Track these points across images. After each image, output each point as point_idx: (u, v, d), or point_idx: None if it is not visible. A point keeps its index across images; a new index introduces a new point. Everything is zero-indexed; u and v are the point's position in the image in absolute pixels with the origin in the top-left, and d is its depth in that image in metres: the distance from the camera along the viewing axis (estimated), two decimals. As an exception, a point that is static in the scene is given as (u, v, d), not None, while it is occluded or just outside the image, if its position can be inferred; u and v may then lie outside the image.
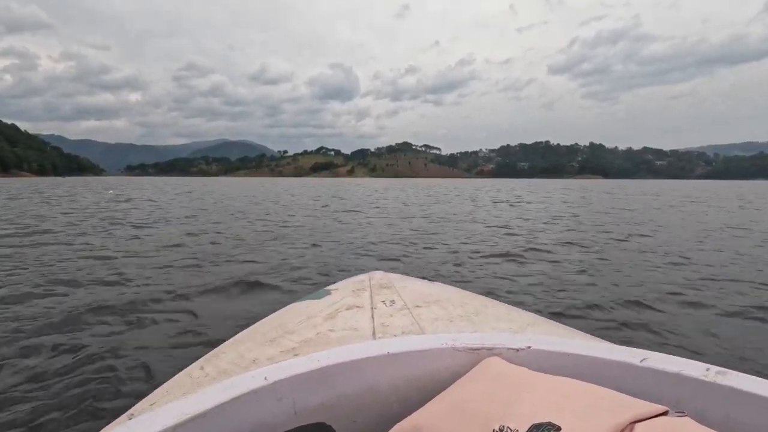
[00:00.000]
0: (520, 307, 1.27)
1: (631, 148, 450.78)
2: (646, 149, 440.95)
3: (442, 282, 1.52)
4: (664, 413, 0.50)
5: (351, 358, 0.71)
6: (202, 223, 9.05)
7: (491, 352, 0.75)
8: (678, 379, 0.63)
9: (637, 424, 0.48)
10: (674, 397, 0.62)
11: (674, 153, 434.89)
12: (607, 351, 0.71)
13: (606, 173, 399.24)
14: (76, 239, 6.45)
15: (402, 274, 1.58)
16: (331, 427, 0.64)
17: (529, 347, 0.75)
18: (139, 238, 6.73)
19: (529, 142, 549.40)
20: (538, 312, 1.20)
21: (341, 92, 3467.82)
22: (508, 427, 0.52)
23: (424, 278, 1.52)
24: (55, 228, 7.70)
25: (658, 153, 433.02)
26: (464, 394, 0.65)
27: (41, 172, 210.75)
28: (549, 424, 0.50)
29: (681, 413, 0.50)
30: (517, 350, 0.75)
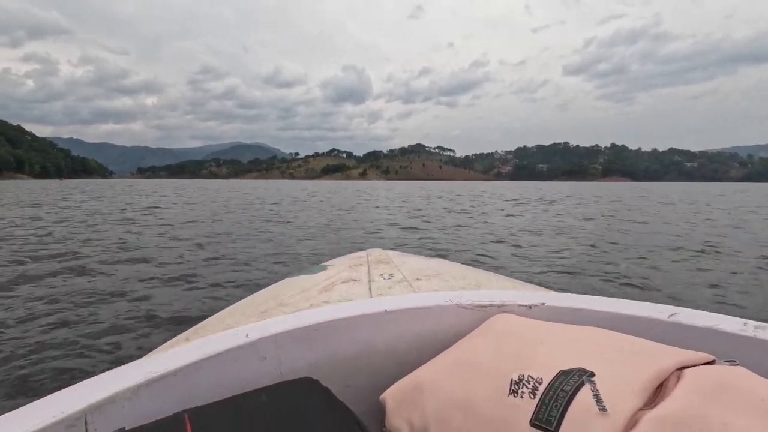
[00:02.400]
0: (523, 281, 1.19)
1: (656, 149, 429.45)
2: (672, 150, 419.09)
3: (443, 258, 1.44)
4: (711, 362, 0.45)
5: (344, 315, 0.66)
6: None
7: (501, 309, 0.68)
8: (712, 334, 0.58)
9: (686, 371, 0.43)
10: (708, 352, 0.54)
11: (704, 154, 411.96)
12: (631, 306, 0.65)
13: (632, 175, 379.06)
14: None
15: (400, 251, 1.52)
16: (318, 381, 0.57)
17: (543, 304, 0.68)
18: None
19: (543, 143, 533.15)
20: (546, 286, 1.17)
21: (354, 94, 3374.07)
22: (529, 375, 0.46)
23: (423, 255, 1.52)
24: None
25: (687, 154, 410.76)
26: (472, 350, 0.58)
27: (43, 174, 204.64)
28: (580, 369, 0.44)
29: (732, 362, 0.45)
30: (530, 307, 0.68)
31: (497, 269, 4.01)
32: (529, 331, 0.58)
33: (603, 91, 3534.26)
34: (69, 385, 0.44)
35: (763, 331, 0.56)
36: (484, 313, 0.68)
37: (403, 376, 0.61)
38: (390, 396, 0.57)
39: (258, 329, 0.62)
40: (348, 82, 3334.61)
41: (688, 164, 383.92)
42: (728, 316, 0.60)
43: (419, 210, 13.14)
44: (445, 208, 13.96)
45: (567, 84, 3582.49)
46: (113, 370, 0.52)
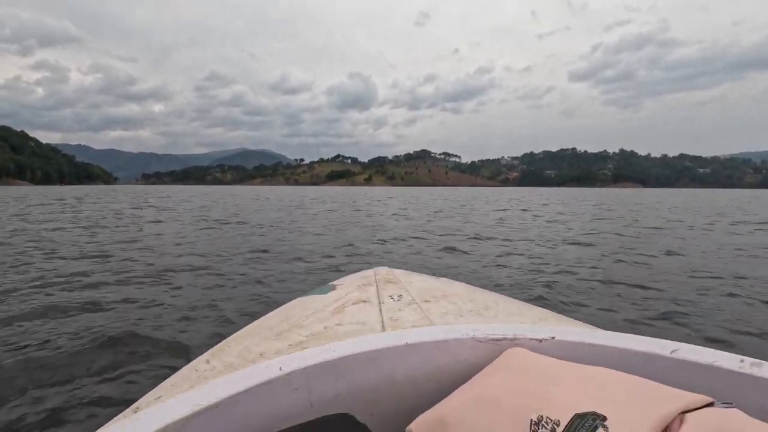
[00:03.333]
0: (532, 304, 1.21)
1: (666, 155, 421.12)
2: (683, 156, 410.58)
3: (449, 279, 1.53)
4: (710, 404, 0.48)
5: (368, 348, 0.69)
6: None
7: (513, 342, 0.72)
8: (711, 370, 0.60)
9: (687, 415, 0.45)
10: (706, 389, 0.57)
11: (716, 160, 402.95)
12: (635, 342, 0.68)
13: (643, 181, 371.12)
14: None
15: (407, 270, 1.55)
16: (354, 417, 0.62)
17: (553, 338, 0.71)
18: None
19: (549, 149, 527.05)
20: (549, 308, 1.30)
21: (359, 101, 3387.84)
22: (547, 417, 0.48)
23: (430, 274, 1.56)
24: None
25: (698, 160, 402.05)
26: (491, 385, 0.61)
27: (45, 180, 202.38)
28: (593, 413, 0.47)
29: (728, 404, 0.48)
30: (540, 341, 0.71)
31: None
32: (542, 369, 0.62)
33: (609, 96, 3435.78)
34: (98, 420, 0.45)
35: (759, 368, 0.58)
36: (498, 346, 0.71)
37: (423, 406, 0.63)
38: (416, 428, 0.59)
39: (290, 362, 0.65)
40: (354, 88, 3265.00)
41: (701, 170, 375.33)
42: (726, 353, 0.62)
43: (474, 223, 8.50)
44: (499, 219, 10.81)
45: (573, 90, 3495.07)
46: (158, 405, 0.55)
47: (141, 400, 0.69)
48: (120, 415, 0.61)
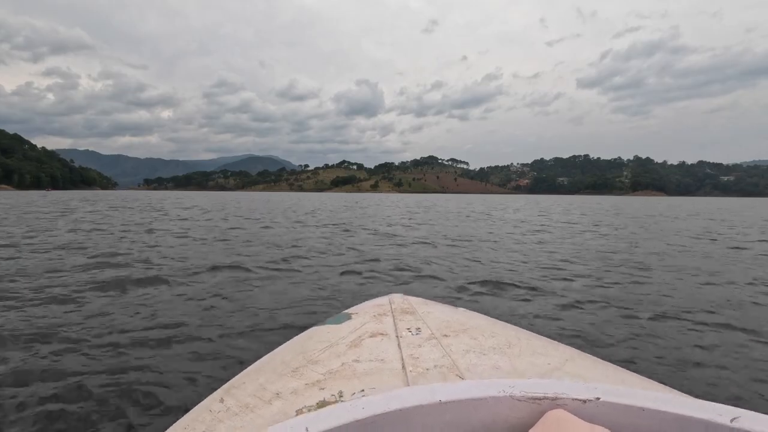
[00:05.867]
0: (551, 338, 1.20)
1: (684, 162, 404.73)
2: (702, 163, 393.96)
3: (464, 307, 1.49)
4: None
5: (399, 406, 0.63)
6: None
7: (554, 402, 0.66)
8: None
9: None
10: None
11: (738, 167, 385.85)
12: (690, 407, 0.62)
13: (663, 189, 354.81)
14: None
15: (421, 297, 1.52)
16: None
17: (598, 398, 0.65)
18: None
19: (557, 156, 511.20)
20: (573, 345, 1.25)
21: (367, 108, 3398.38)
22: None
23: (445, 303, 1.53)
24: None
25: (719, 167, 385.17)
26: None
27: (35, 185, 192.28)
28: None
29: None
30: (584, 401, 0.65)
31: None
32: None
33: (618, 104, 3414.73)
34: None
35: None
36: (538, 406, 0.66)
37: None
38: None
39: (316, 421, 0.60)
40: (361, 95, 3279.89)
41: (724, 178, 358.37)
42: None
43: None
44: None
45: (581, 97, 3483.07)
46: None
47: None
48: None
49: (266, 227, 11.49)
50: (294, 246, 7.65)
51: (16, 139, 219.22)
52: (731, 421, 0.58)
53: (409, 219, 16.01)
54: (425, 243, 8.39)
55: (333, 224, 12.84)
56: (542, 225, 13.85)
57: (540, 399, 0.67)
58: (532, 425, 0.63)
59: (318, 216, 16.86)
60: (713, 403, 0.63)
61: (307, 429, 0.58)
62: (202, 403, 0.83)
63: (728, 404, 0.61)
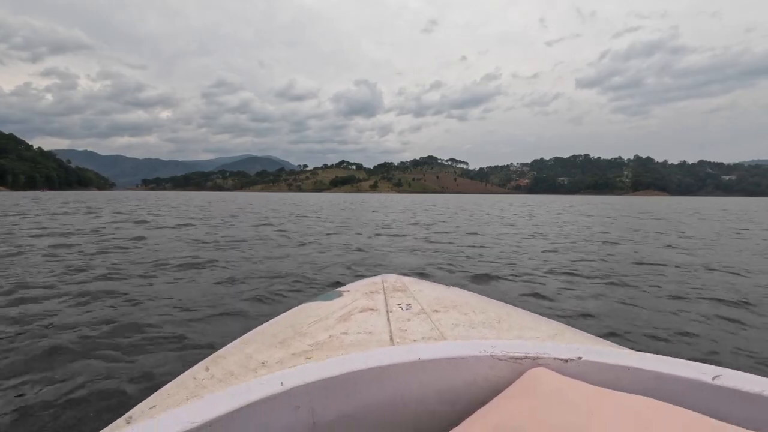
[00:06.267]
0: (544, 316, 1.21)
1: (685, 161, 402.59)
2: (703, 162, 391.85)
3: (458, 287, 1.47)
4: None
5: (377, 363, 0.63)
6: None
7: (536, 362, 0.66)
8: (758, 400, 0.54)
9: None
10: (752, 421, 0.52)
11: (739, 167, 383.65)
12: (673, 366, 0.62)
13: (664, 189, 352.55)
14: None
15: (415, 277, 1.48)
16: None
17: (580, 358, 0.65)
18: None
19: (557, 155, 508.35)
20: (564, 322, 1.23)
21: (365, 108, 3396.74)
22: None
23: (438, 283, 1.49)
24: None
25: (720, 167, 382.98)
26: (513, 411, 0.55)
27: (29, 185, 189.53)
28: None
29: None
30: (566, 361, 0.65)
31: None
32: (572, 395, 0.55)
33: (617, 104, 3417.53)
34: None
35: None
36: (519, 365, 0.66)
37: (435, 429, 0.59)
38: None
39: (292, 377, 0.60)
40: (360, 95, 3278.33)
41: (726, 177, 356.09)
42: None
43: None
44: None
45: (580, 97, 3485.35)
46: (149, 420, 0.51)
47: (135, 409, 0.65)
48: (112, 425, 0.56)
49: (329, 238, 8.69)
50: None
51: (11, 139, 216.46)
52: (713, 378, 0.58)
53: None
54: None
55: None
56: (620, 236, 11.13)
57: (521, 358, 0.66)
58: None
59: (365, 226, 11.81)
60: (696, 362, 0.63)
61: (282, 383, 0.58)
62: (187, 371, 0.83)
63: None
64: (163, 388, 0.77)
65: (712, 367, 0.61)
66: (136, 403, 0.68)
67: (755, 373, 0.58)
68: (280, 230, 10.04)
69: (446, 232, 10.09)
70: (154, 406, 0.64)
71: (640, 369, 0.62)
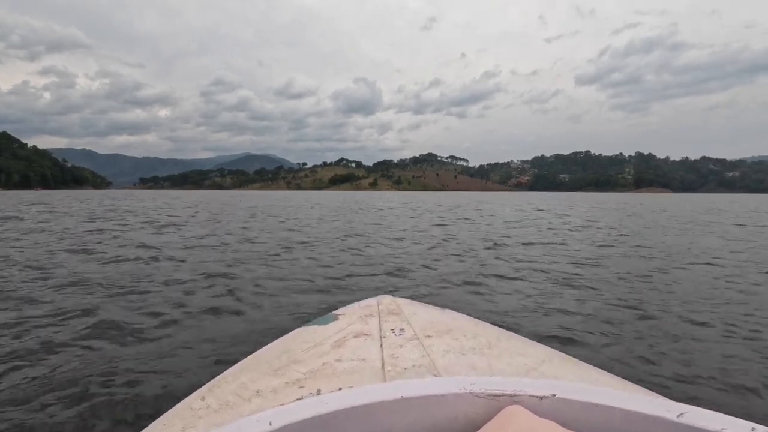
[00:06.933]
0: (535, 340, 1.22)
1: (687, 158, 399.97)
2: (705, 159, 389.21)
3: (452, 309, 1.50)
4: None
5: (362, 401, 0.65)
6: None
7: (512, 399, 0.68)
8: None
9: None
10: None
11: (742, 163, 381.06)
12: (641, 403, 0.64)
13: (667, 186, 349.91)
14: None
15: (410, 299, 1.52)
16: None
17: (554, 395, 0.67)
18: None
19: (557, 152, 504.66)
20: (554, 346, 1.29)
21: (364, 106, 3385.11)
22: None
23: (434, 305, 1.53)
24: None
25: (723, 163, 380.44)
26: None
27: (23, 184, 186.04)
28: None
29: None
30: (541, 398, 0.67)
31: None
32: None
33: (617, 101, 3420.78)
34: None
35: None
36: (497, 402, 0.68)
37: None
38: None
39: (281, 415, 0.61)
40: (359, 93, 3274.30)
41: (729, 174, 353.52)
42: (737, 420, 0.59)
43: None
44: None
45: (579, 94, 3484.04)
46: None
47: None
48: None
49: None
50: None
51: (5, 137, 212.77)
52: (677, 417, 0.60)
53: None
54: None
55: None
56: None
57: (499, 396, 0.68)
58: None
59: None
60: (663, 399, 0.66)
61: (270, 423, 0.59)
62: (184, 400, 0.84)
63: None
64: (160, 419, 0.77)
65: (680, 404, 0.63)
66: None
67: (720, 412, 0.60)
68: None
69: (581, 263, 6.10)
70: None
71: (607, 406, 0.64)
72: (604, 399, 0.65)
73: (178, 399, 0.88)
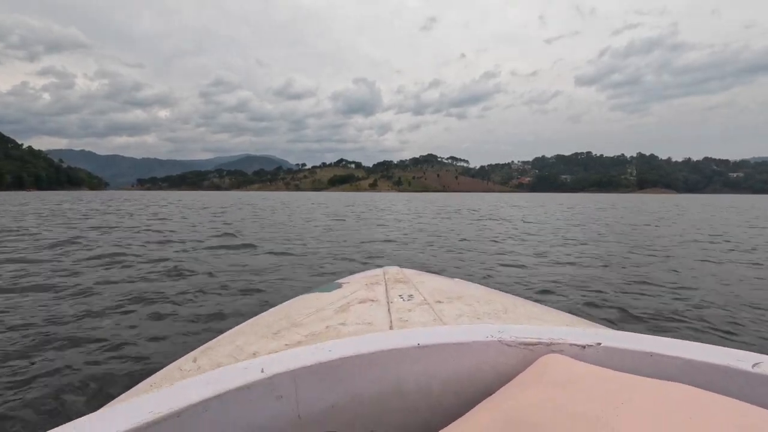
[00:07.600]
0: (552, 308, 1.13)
1: (690, 158, 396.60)
2: (708, 159, 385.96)
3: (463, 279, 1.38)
4: None
5: (371, 349, 0.57)
6: None
7: (549, 348, 0.59)
8: None
9: None
10: None
11: (745, 164, 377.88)
12: (706, 352, 0.55)
13: (671, 186, 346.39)
14: None
15: (419, 270, 1.44)
16: None
17: (600, 344, 0.58)
18: None
19: (557, 153, 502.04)
20: (574, 314, 1.17)
21: (364, 106, 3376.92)
22: None
23: (443, 275, 1.43)
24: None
25: (725, 164, 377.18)
26: (525, 401, 0.48)
27: (16, 185, 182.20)
28: None
29: None
30: (584, 347, 0.58)
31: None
32: (595, 383, 0.48)
33: (616, 101, 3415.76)
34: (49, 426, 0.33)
35: None
36: (531, 352, 0.60)
37: (437, 422, 0.53)
38: None
39: (274, 362, 0.54)
40: (358, 94, 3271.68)
41: (733, 175, 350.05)
42: None
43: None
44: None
45: (579, 94, 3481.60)
46: (112, 408, 0.45)
47: (117, 399, 0.61)
48: (85, 417, 0.48)
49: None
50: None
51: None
52: (753, 366, 0.52)
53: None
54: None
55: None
56: None
57: (533, 344, 0.60)
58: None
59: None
60: (730, 348, 0.56)
61: (262, 370, 0.53)
62: (175, 362, 0.79)
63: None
64: (147, 379, 0.73)
65: (752, 354, 0.54)
66: None
67: None
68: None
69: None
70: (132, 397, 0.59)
71: (665, 355, 0.55)
72: (660, 347, 0.57)
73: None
